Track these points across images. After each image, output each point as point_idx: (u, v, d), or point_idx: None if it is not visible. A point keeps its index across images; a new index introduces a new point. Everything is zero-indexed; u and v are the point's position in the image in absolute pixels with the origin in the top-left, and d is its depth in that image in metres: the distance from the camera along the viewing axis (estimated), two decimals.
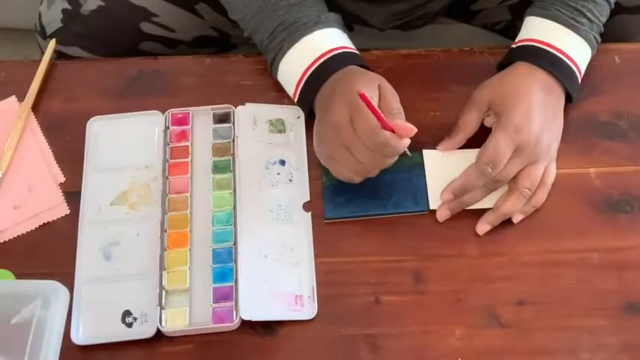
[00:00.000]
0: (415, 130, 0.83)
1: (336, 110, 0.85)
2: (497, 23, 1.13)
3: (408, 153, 0.87)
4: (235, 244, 0.86)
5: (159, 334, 0.82)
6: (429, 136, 0.93)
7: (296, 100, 0.92)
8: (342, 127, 0.84)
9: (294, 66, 0.91)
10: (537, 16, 0.93)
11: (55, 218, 0.90)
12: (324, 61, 0.89)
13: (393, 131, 0.83)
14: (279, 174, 0.91)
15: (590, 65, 0.94)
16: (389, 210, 0.89)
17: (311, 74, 0.89)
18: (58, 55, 1.04)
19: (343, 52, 0.90)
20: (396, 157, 0.86)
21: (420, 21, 1.12)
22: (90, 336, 0.83)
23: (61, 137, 0.95)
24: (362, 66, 0.90)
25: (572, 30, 0.91)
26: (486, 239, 0.88)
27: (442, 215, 0.89)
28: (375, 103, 0.83)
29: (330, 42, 0.91)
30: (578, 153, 0.93)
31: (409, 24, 1.12)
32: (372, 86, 0.85)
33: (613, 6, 0.94)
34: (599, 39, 0.93)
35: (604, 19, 0.93)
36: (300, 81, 0.90)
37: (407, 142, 0.84)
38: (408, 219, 0.89)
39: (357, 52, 0.92)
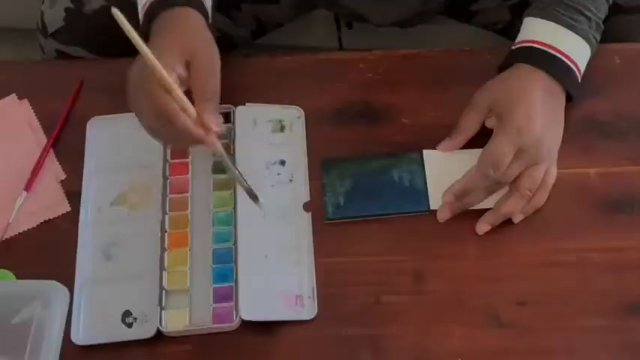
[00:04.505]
0: (213, 141, 0.77)
1: (132, 70, 0.78)
2: (497, 23, 1.13)
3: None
4: (235, 244, 0.86)
5: (159, 334, 0.82)
6: (429, 136, 0.93)
7: (140, 25, 0.86)
8: (133, 88, 0.78)
9: None
10: (535, 16, 0.93)
11: (55, 215, 0.90)
12: None
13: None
14: (279, 174, 0.91)
15: (590, 65, 0.94)
16: (389, 210, 0.89)
17: (151, 3, 0.84)
18: (59, 54, 1.04)
19: None
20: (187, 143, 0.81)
21: (421, 17, 1.12)
22: (90, 336, 0.83)
23: (61, 137, 0.95)
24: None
25: (571, 30, 0.91)
26: (486, 239, 0.88)
27: (443, 216, 0.89)
28: (177, 77, 0.77)
29: None
30: (578, 153, 0.93)
31: (409, 21, 1.12)
32: (176, 56, 0.78)
33: (611, 1, 0.94)
34: (599, 37, 0.93)
35: (603, 16, 0.93)
36: (144, 5, 0.86)
37: (202, 134, 0.76)
38: (408, 219, 0.89)
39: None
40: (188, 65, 0.79)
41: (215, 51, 0.81)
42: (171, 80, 0.75)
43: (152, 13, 0.84)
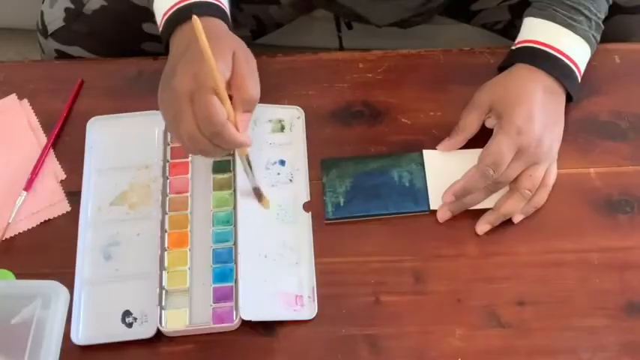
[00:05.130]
0: (247, 142, 0.80)
1: (181, 79, 0.78)
2: (497, 23, 1.13)
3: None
4: (235, 244, 0.86)
5: (159, 334, 0.82)
6: (429, 136, 0.93)
7: (160, 30, 0.88)
8: (180, 98, 0.78)
9: None
10: (535, 16, 0.93)
11: (55, 215, 0.90)
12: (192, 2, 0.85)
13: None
14: (279, 174, 0.92)
15: (590, 65, 0.94)
16: (389, 210, 0.89)
17: (178, 9, 0.85)
18: (59, 54, 1.05)
19: (210, 2, 0.86)
20: (225, 152, 0.83)
21: (420, 17, 1.12)
22: (90, 336, 0.83)
23: (61, 137, 0.95)
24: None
25: (570, 29, 0.91)
26: (486, 239, 0.88)
27: (443, 216, 0.89)
28: (224, 77, 0.78)
29: None
30: (578, 153, 0.93)
31: (408, 21, 1.12)
32: (223, 57, 0.79)
33: (611, 1, 0.94)
34: (599, 37, 0.93)
35: (602, 15, 0.93)
36: (167, 12, 0.86)
37: (244, 140, 0.80)
38: (408, 219, 0.89)
39: (226, 7, 0.88)
40: (251, 70, 0.81)
41: (251, 54, 0.83)
42: (224, 89, 0.77)
43: (177, 19, 0.85)
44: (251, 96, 0.80)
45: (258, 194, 0.88)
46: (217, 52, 0.76)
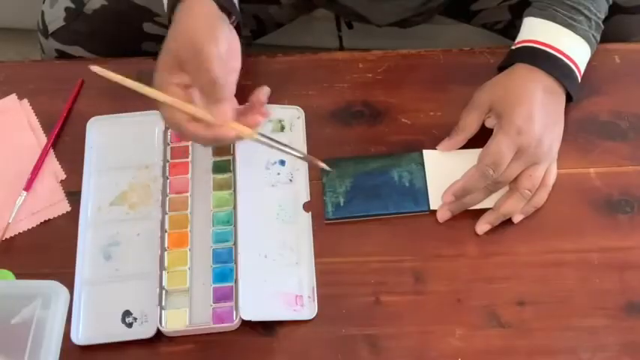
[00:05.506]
0: (222, 134, 0.78)
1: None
2: (497, 23, 1.13)
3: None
4: (235, 244, 0.86)
5: (159, 334, 0.82)
6: (429, 136, 0.93)
7: (165, 8, 0.86)
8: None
9: None
10: (535, 16, 0.93)
11: (55, 215, 0.90)
12: None
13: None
14: (279, 174, 0.92)
15: (590, 65, 0.94)
16: (389, 210, 0.89)
17: None
18: (60, 54, 1.05)
19: None
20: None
21: (420, 17, 1.12)
22: (90, 336, 0.83)
23: (61, 137, 0.95)
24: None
25: (570, 29, 0.91)
26: (486, 239, 0.88)
27: (443, 216, 0.89)
28: (178, 89, 0.78)
29: None
30: (578, 153, 0.93)
31: (409, 21, 1.12)
32: (170, 69, 0.79)
33: (611, 1, 0.94)
34: (599, 37, 0.93)
35: (602, 16, 0.93)
36: None
37: (215, 133, 0.78)
38: (408, 219, 0.89)
39: None
40: (194, 60, 0.78)
41: (214, 37, 0.78)
42: (169, 98, 0.77)
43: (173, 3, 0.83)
44: (200, 82, 0.77)
45: (310, 161, 0.82)
46: (170, 59, 0.79)
